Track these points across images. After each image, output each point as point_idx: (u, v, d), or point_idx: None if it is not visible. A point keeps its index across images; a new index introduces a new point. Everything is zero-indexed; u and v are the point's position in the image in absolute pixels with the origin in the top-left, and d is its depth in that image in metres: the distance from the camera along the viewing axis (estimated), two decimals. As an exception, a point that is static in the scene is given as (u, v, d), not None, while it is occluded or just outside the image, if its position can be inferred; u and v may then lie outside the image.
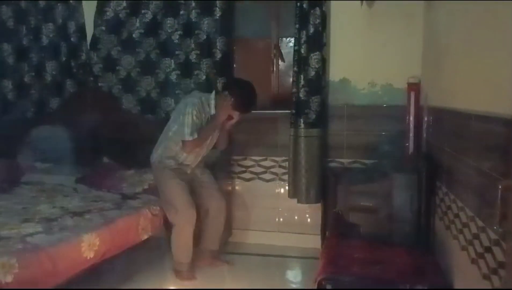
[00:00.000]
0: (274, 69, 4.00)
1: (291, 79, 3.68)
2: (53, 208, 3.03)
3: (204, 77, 3.80)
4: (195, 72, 3.82)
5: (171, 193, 3.12)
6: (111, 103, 4.02)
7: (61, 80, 4.16)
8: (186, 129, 3.01)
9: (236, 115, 3.11)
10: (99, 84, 4.06)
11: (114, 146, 3.83)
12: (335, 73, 3.68)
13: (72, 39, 4.08)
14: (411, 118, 3.27)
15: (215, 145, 3.35)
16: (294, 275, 3.47)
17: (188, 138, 3.02)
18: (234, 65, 4.09)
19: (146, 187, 3.43)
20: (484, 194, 1.76)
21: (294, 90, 3.61)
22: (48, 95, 4.20)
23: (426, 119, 3.15)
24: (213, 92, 3.19)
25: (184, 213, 3.06)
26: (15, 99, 4.30)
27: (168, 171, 3.16)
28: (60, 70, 4.16)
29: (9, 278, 2.11)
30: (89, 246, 2.59)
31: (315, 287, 2.24)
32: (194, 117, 3.01)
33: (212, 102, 3.12)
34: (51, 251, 2.37)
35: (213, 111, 3.11)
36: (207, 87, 3.78)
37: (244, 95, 3.07)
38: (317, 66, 3.52)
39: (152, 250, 3.29)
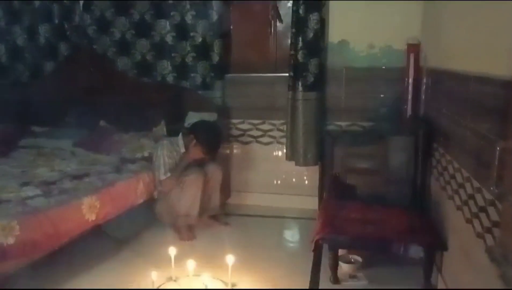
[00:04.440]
0: (272, 31, 3.93)
1: (289, 41, 3.63)
2: (52, 171, 3.04)
3: (200, 39, 3.75)
4: (191, 34, 3.76)
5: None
6: (106, 65, 3.97)
7: (55, 43, 4.10)
8: (161, 169, 3.18)
9: (203, 154, 3.25)
10: (94, 47, 4.00)
11: (111, 109, 3.79)
12: (334, 35, 3.61)
13: (64, 0, 3.98)
14: (410, 80, 3.24)
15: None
16: (291, 235, 3.53)
17: (163, 177, 3.18)
18: (231, 27, 4.02)
19: (146, 154, 3.43)
20: (481, 155, 1.77)
21: (292, 52, 3.56)
22: (42, 58, 4.15)
23: (425, 81, 3.12)
24: (180, 134, 3.33)
25: (192, 172, 3.16)
26: (9, 63, 4.25)
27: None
28: (54, 33, 4.08)
29: (10, 240, 2.14)
30: (90, 208, 2.63)
31: (312, 246, 2.30)
32: (166, 157, 3.19)
33: (181, 142, 3.28)
34: (51, 213, 2.40)
35: (182, 150, 3.27)
36: (203, 50, 3.73)
37: (206, 139, 3.21)
38: (315, 27, 3.46)
39: (149, 213, 3.32)
